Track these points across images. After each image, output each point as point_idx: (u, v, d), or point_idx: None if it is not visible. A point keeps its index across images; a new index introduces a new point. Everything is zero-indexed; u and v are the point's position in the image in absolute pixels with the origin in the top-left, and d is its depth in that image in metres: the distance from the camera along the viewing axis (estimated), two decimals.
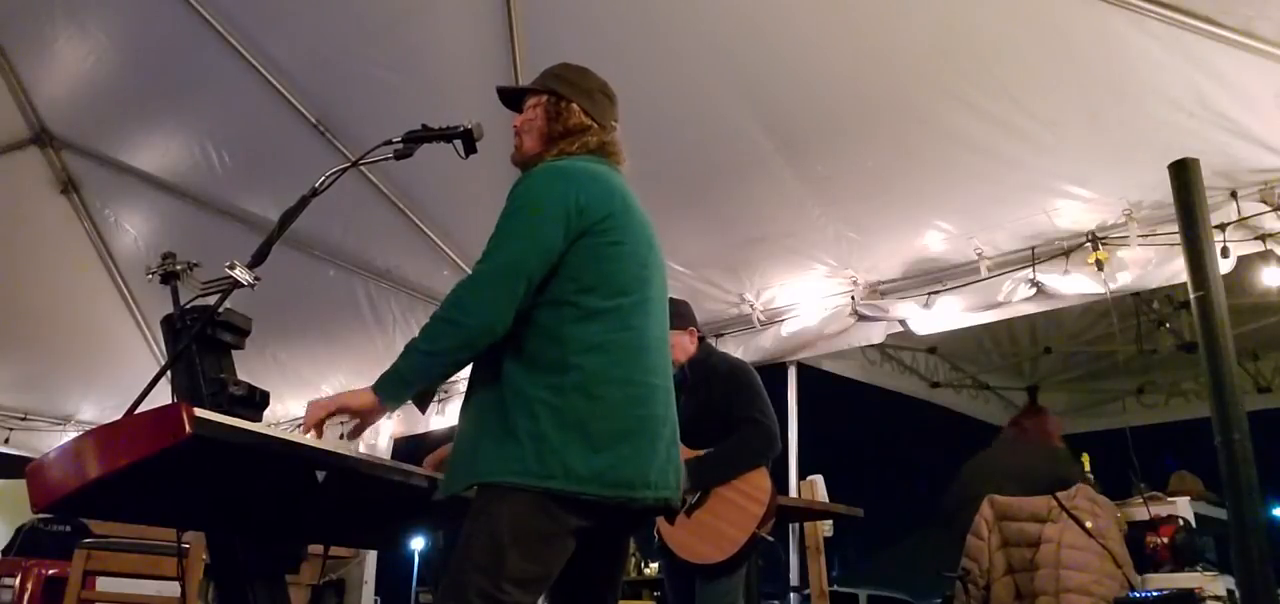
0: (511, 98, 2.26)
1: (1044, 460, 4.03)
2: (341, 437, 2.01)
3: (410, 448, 6.43)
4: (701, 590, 3.26)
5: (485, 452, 1.85)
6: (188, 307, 2.21)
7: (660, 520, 3.26)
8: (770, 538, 3.33)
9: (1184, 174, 2.97)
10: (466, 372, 2.02)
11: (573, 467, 1.80)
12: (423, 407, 2.04)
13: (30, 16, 4.61)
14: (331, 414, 1.93)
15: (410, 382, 1.92)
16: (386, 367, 1.92)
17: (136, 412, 1.69)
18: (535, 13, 4.03)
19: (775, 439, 3.35)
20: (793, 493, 4.80)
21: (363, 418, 1.97)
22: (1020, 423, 4.44)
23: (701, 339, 3.59)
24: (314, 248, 5.68)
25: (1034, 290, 4.24)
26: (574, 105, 2.14)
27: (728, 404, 3.35)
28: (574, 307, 1.90)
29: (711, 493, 3.25)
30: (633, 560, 6.14)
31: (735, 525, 3.21)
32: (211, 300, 2.12)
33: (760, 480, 3.25)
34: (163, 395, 1.92)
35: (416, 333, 1.92)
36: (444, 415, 6.18)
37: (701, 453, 3.24)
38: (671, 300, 3.41)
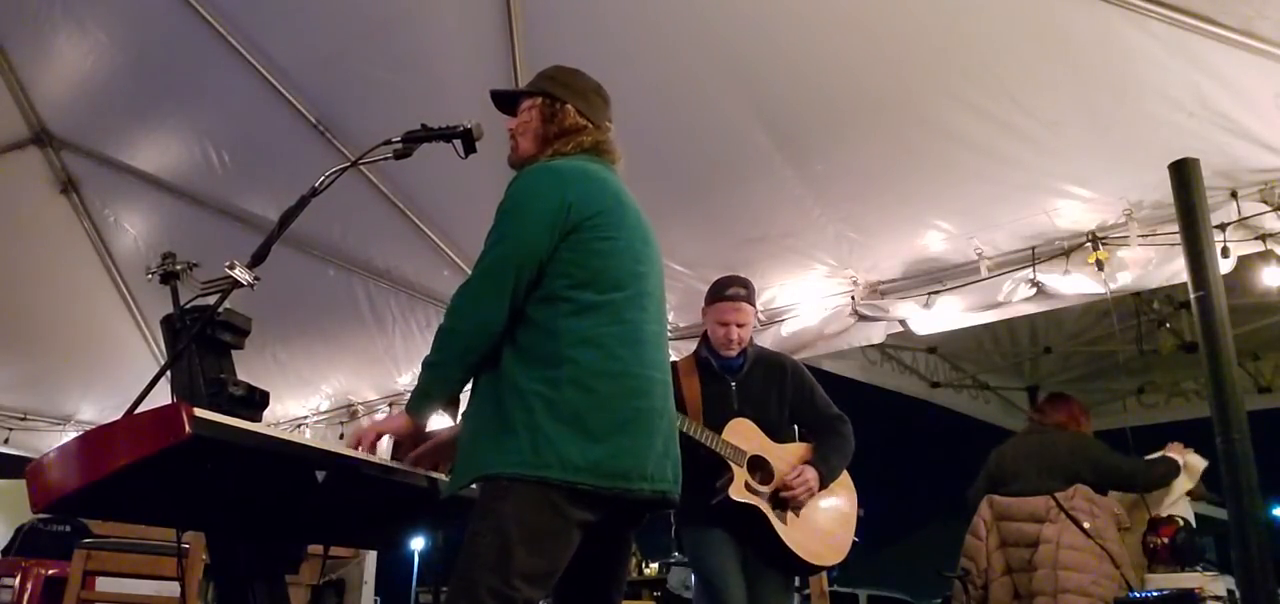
0: (504, 101, 2.28)
1: (1068, 448, 3.96)
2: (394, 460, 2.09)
3: None
4: (777, 590, 3.24)
5: (483, 447, 1.88)
6: (188, 307, 2.21)
7: (773, 519, 3.19)
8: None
9: (1184, 174, 2.97)
10: None
11: (569, 458, 1.81)
12: (455, 415, 2.13)
13: (30, 16, 4.61)
14: (376, 440, 2.04)
15: (431, 394, 2.00)
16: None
17: (136, 412, 1.69)
18: (535, 13, 4.02)
19: None
20: None
21: (401, 437, 2.08)
22: (1043, 410, 4.36)
23: None
24: (314, 248, 5.66)
25: (1034, 290, 4.23)
26: (568, 106, 2.17)
27: (799, 400, 3.39)
28: (568, 301, 1.93)
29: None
30: (634, 560, 6.16)
31: (847, 527, 3.30)
32: (211, 300, 2.11)
33: (849, 480, 3.33)
34: (162, 395, 1.92)
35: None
36: (442, 416, 6.18)
37: (822, 451, 3.27)
38: (742, 278, 3.47)
